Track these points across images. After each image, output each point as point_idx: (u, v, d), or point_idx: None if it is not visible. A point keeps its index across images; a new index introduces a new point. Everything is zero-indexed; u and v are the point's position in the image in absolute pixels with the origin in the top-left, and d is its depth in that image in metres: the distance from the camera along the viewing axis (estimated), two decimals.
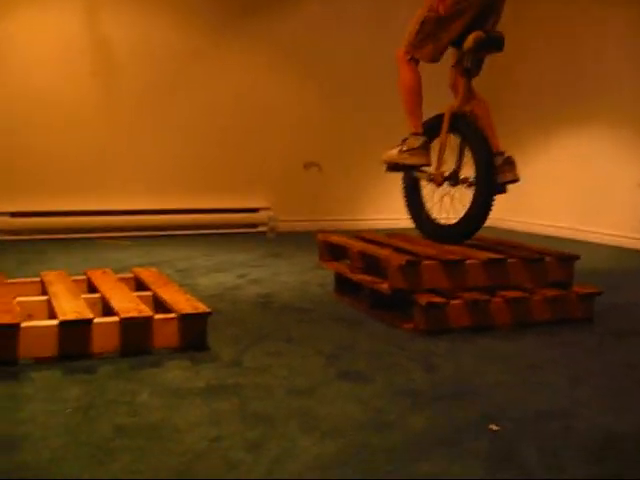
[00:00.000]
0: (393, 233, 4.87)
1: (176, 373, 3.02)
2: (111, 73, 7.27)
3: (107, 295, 3.57)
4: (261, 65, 7.78)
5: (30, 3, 6.94)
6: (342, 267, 4.48)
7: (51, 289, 3.67)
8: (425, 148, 4.26)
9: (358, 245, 4.34)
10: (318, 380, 2.98)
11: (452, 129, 4.31)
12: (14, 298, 3.53)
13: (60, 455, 2.19)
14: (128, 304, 3.38)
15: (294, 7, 7.94)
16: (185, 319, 3.31)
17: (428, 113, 4.37)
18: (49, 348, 3.10)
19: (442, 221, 4.51)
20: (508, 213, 7.81)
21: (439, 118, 4.35)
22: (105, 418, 2.50)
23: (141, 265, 4.92)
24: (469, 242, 4.35)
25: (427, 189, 4.59)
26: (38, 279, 4.01)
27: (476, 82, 4.37)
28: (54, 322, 3.13)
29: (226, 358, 3.25)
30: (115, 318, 3.22)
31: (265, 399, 2.74)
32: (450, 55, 4.39)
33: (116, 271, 4.28)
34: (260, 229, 7.72)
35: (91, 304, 3.47)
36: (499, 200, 4.23)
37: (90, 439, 2.32)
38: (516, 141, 6.97)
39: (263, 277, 5.23)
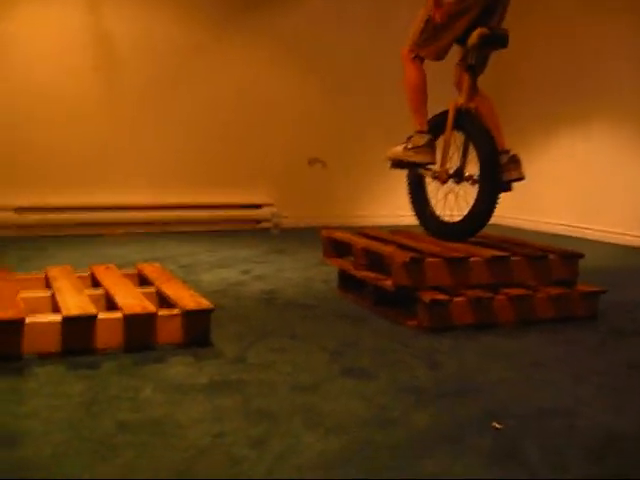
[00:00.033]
0: (397, 230, 4.87)
1: (179, 369, 3.02)
2: (113, 68, 7.27)
3: (111, 291, 3.57)
4: (263, 60, 7.77)
5: None
6: (346, 264, 4.48)
7: (55, 284, 3.67)
8: (430, 146, 4.26)
9: (362, 242, 4.33)
10: (322, 376, 2.98)
11: (456, 126, 4.31)
12: (18, 293, 3.54)
13: (62, 450, 2.20)
14: (132, 300, 3.38)
15: (296, 2, 7.94)
16: (189, 315, 3.31)
17: (433, 110, 4.37)
18: (53, 343, 3.10)
19: (446, 218, 4.51)
20: (512, 211, 7.77)
21: (443, 115, 4.34)
22: (108, 414, 2.51)
23: (144, 261, 4.92)
24: (473, 239, 4.34)
25: (431, 186, 4.58)
26: (42, 274, 4.02)
27: (481, 80, 4.36)
28: (58, 317, 3.14)
29: (230, 354, 3.25)
30: (119, 314, 3.22)
31: (269, 395, 2.74)
32: (455, 53, 4.38)
33: (119, 266, 4.29)
34: (264, 225, 7.72)
35: (95, 300, 3.48)
36: (503, 198, 4.22)
37: (93, 434, 2.32)
38: (520, 139, 6.94)
39: (267, 273, 5.23)
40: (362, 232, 4.71)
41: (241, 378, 2.93)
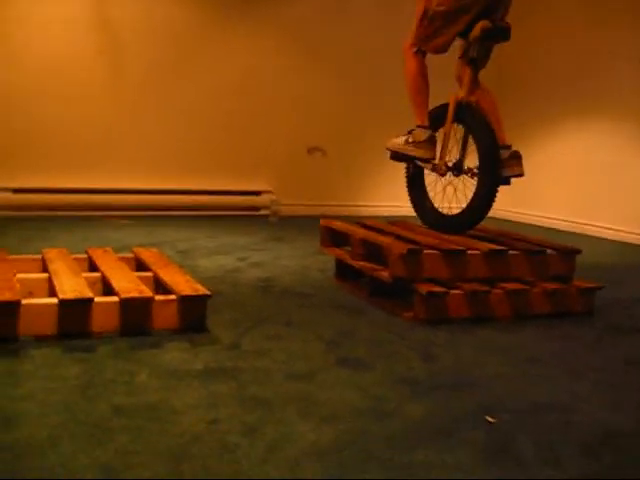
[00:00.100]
0: (394, 221, 4.87)
1: (175, 354, 3.02)
2: (117, 52, 7.25)
3: (107, 274, 3.57)
4: (266, 48, 7.75)
5: None
6: (343, 253, 4.48)
7: (52, 267, 3.67)
8: (431, 142, 4.25)
9: (360, 232, 4.33)
10: (317, 366, 2.98)
11: (457, 119, 4.30)
12: (15, 275, 3.53)
13: (58, 433, 2.19)
14: (128, 284, 3.38)
15: None
16: (185, 301, 3.31)
17: (434, 104, 4.35)
18: (49, 326, 3.10)
19: (445, 211, 4.51)
20: (511, 204, 7.80)
21: (443, 107, 4.33)
22: (104, 397, 2.51)
23: (142, 245, 4.91)
24: (471, 232, 4.34)
25: (430, 178, 4.57)
26: (39, 256, 4.01)
27: (482, 77, 4.35)
28: (54, 300, 3.13)
29: (225, 341, 3.25)
30: (115, 298, 3.22)
31: (263, 383, 2.74)
32: (457, 46, 4.36)
33: (117, 250, 4.28)
34: (262, 212, 7.71)
35: (91, 283, 3.48)
36: (503, 191, 4.22)
37: (88, 418, 2.32)
38: (520, 134, 6.94)
39: (264, 260, 5.23)
40: (360, 222, 4.70)
41: (236, 365, 2.93)
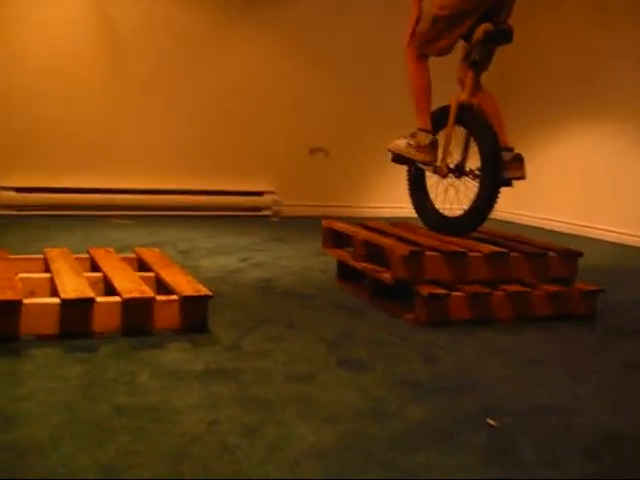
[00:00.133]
0: (396, 222, 4.87)
1: (176, 355, 3.02)
2: (119, 52, 7.25)
3: (109, 274, 3.57)
4: (267, 48, 7.76)
5: None
6: (345, 254, 4.48)
7: (54, 266, 3.67)
8: (434, 147, 4.25)
9: (362, 233, 4.33)
10: (318, 367, 2.98)
11: (458, 121, 4.29)
12: (16, 274, 3.53)
13: (59, 433, 2.20)
14: (130, 284, 3.38)
15: None
16: (186, 301, 3.31)
17: (436, 106, 4.35)
18: (51, 326, 3.10)
19: (446, 213, 4.50)
20: (513, 206, 7.81)
21: (445, 109, 4.33)
22: (105, 397, 2.51)
23: (144, 245, 4.91)
24: (473, 235, 4.34)
25: (432, 180, 4.57)
26: (41, 256, 4.01)
27: (484, 79, 4.35)
28: (56, 300, 3.13)
29: (226, 342, 3.25)
30: (117, 298, 3.22)
31: (264, 384, 2.74)
32: (459, 48, 4.36)
33: (119, 250, 4.28)
34: (264, 213, 7.72)
35: (93, 283, 3.48)
36: (504, 193, 4.21)
37: (89, 418, 2.33)
38: (522, 136, 6.93)
39: (265, 261, 5.23)
40: (361, 223, 4.70)
41: (237, 366, 2.93)
